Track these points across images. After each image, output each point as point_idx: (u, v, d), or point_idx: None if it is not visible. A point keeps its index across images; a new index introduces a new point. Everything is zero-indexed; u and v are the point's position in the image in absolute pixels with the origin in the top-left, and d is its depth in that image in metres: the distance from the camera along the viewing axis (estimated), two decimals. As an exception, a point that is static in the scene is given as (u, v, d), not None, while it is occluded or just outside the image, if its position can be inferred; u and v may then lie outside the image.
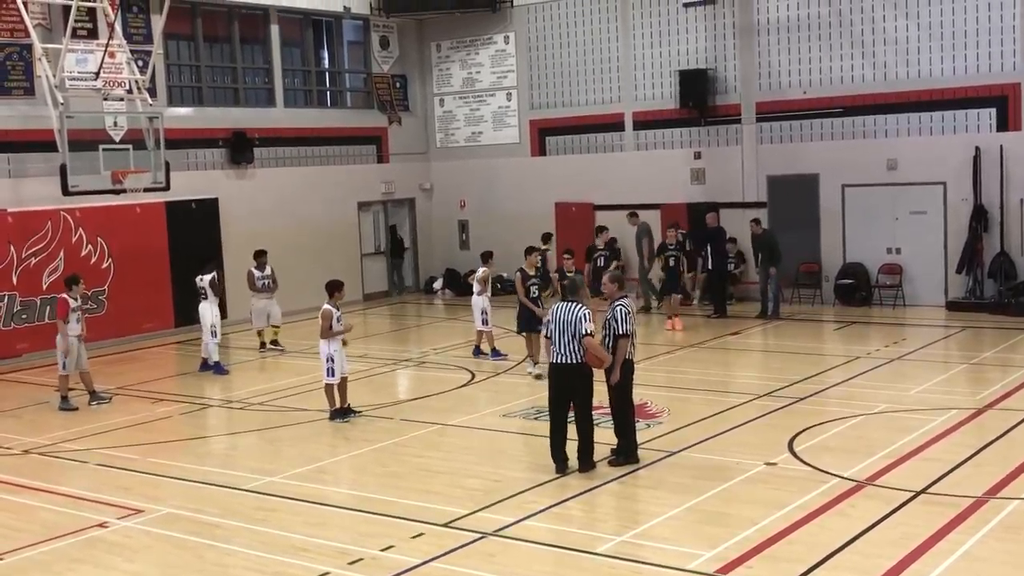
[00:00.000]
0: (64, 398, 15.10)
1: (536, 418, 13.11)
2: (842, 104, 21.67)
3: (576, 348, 10.60)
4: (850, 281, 21.62)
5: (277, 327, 19.16)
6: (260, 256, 19.12)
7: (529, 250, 16.35)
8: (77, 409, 14.97)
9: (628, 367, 11.03)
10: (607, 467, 10.98)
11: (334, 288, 13.84)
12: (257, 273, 18.95)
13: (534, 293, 15.75)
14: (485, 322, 17.23)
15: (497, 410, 13.79)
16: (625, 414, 11.14)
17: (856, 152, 21.51)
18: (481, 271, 17.55)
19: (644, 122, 24.04)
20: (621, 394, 11.06)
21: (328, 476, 11.58)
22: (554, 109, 25.32)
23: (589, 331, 10.60)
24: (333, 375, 13.65)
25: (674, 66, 23.42)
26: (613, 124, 24.41)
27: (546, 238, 21.49)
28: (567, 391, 10.80)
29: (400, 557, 8.74)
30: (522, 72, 25.74)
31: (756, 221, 20.94)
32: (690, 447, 11.70)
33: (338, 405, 13.74)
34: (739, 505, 9.77)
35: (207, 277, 17.56)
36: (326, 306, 13.66)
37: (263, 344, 19.18)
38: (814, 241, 22.13)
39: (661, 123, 23.79)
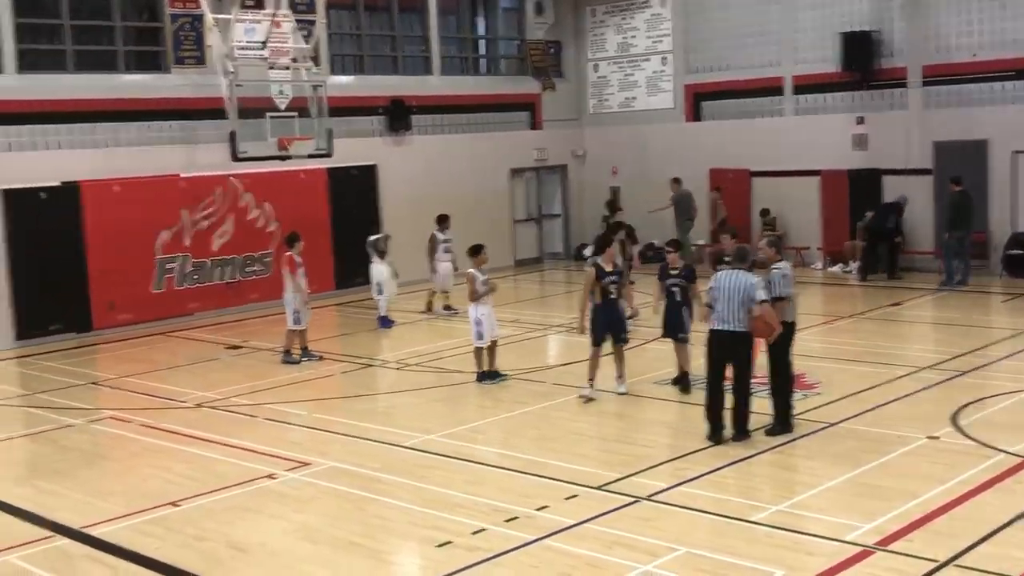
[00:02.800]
0: (288, 352, 15.80)
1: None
2: (1014, 67, 20.66)
3: (743, 316, 10.51)
4: (1020, 252, 20.71)
5: (447, 292, 19.50)
6: (443, 220, 19.43)
7: (607, 241, 13.30)
8: (299, 363, 15.62)
9: (789, 330, 10.95)
10: (763, 436, 10.89)
11: (475, 252, 14.10)
12: (440, 236, 19.33)
13: (613, 293, 12.73)
14: None
15: (648, 377, 13.76)
16: (784, 380, 11.06)
17: (1029, 117, 20.54)
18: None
19: (804, 86, 23.44)
20: (782, 359, 10.96)
21: (482, 436, 11.85)
22: (710, 73, 24.93)
23: (766, 298, 10.53)
24: (481, 338, 13.91)
25: (836, 28, 22.71)
26: (772, 88, 23.87)
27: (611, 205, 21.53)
28: (727, 358, 10.70)
29: (555, 517, 8.90)
30: (678, 36, 25.41)
31: (954, 180, 20.18)
32: (848, 419, 11.49)
33: (485, 368, 14.00)
34: (899, 478, 9.58)
35: (370, 238, 18.47)
36: (470, 270, 13.95)
37: (446, 306, 19.38)
38: (982, 210, 21.16)
39: (822, 87, 23.13)
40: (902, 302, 18.92)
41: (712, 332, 10.75)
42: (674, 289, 13.03)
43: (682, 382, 12.99)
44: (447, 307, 19.32)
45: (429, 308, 19.56)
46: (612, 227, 18.15)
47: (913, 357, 14.55)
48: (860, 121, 22.66)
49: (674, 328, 13.04)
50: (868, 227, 21.77)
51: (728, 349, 10.66)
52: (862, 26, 22.37)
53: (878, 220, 21.41)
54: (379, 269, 18.47)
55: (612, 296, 12.72)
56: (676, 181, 23.90)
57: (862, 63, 22.15)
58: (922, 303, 19.06)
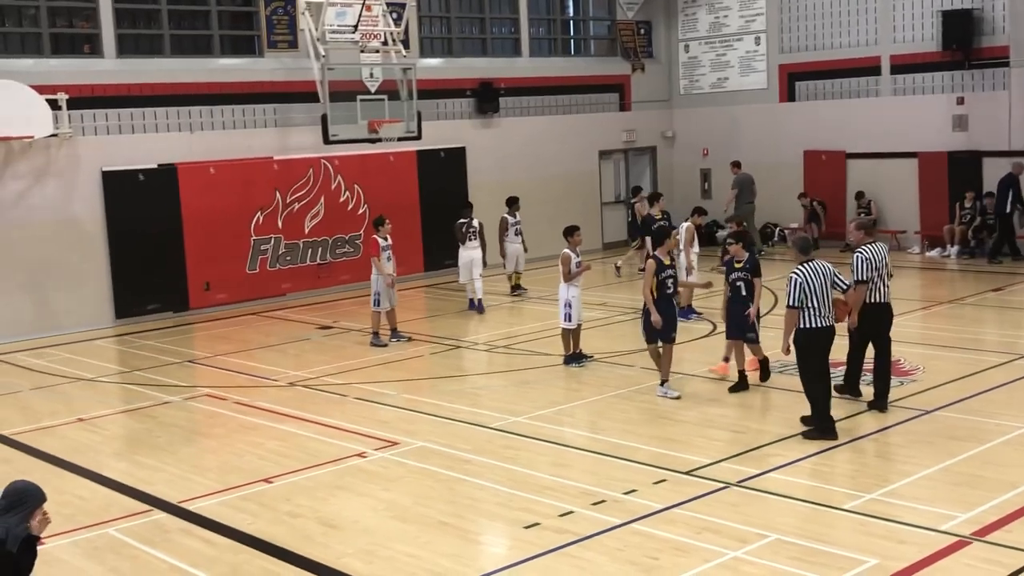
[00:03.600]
0: (375, 334, 15.91)
1: (780, 372, 12.85)
2: None
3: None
4: None
5: (519, 272, 19.66)
6: (513, 203, 19.58)
7: (665, 232, 12.76)
8: (387, 346, 15.74)
9: (883, 312, 10.95)
10: (852, 426, 10.68)
11: (570, 232, 14.09)
12: (511, 219, 19.43)
13: (669, 288, 12.10)
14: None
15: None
16: (885, 361, 11.04)
17: None
18: (685, 225, 16.96)
19: (902, 65, 22.84)
20: (883, 343, 10.96)
21: (570, 419, 11.81)
22: (805, 53, 24.45)
23: (849, 284, 10.50)
24: (570, 320, 13.89)
25: (936, 6, 22.10)
26: (868, 68, 23.32)
27: (635, 191, 22.02)
28: (828, 349, 10.48)
29: (642, 502, 8.86)
30: (772, 15, 24.96)
31: None
32: (945, 406, 11.21)
33: (572, 350, 13.98)
34: (998, 468, 9.32)
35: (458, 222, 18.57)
36: (565, 251, 13.92)
37: (515, 287, 19.67)
38: (1089, 192, 20.53)
39: (921, 67, 22.52)
40: (1003, 288, 18.37)
41: (817, 331, 10.23)
42: (739, 284, 12.24)
43: (764, 373, 12.34)
44: (515, 286, 19.57)
45: (513, 290, 19.67)
46: (694, 211, 17.86)
47: (1014, 344, 14.14)
48: (960, 101, 22.02)
49: (741, 327, 12.25)
50: (972, 210, 21.28)
51: (831, 341, 10.45)
52: (963, 3, 21.72)
53: (997, 203, 20.80)
54: (460, 253, 18.53)
55: (668, 291, 12.07)
56: (736, 164, 23.92)
57: (963, 41, 21.50)
58: (1022, 289, 18.49)
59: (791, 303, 10.21)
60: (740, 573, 7.48)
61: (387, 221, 16.09)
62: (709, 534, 8.12)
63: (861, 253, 10.84)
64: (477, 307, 18.21)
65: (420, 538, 8.42)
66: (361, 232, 21.09)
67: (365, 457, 10.55)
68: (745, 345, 12.43)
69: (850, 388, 11.46)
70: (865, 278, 10.76)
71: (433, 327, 17.52)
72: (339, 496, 9.48)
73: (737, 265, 12.27)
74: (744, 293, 12.21)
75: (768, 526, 8.19)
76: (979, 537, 7.81)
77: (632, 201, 21.98)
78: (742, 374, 12.28)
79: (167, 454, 11.04)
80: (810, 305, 10.19)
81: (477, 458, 10.32)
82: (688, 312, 16.26)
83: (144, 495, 9.72)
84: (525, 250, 19.61)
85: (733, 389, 12.22)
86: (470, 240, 18.47)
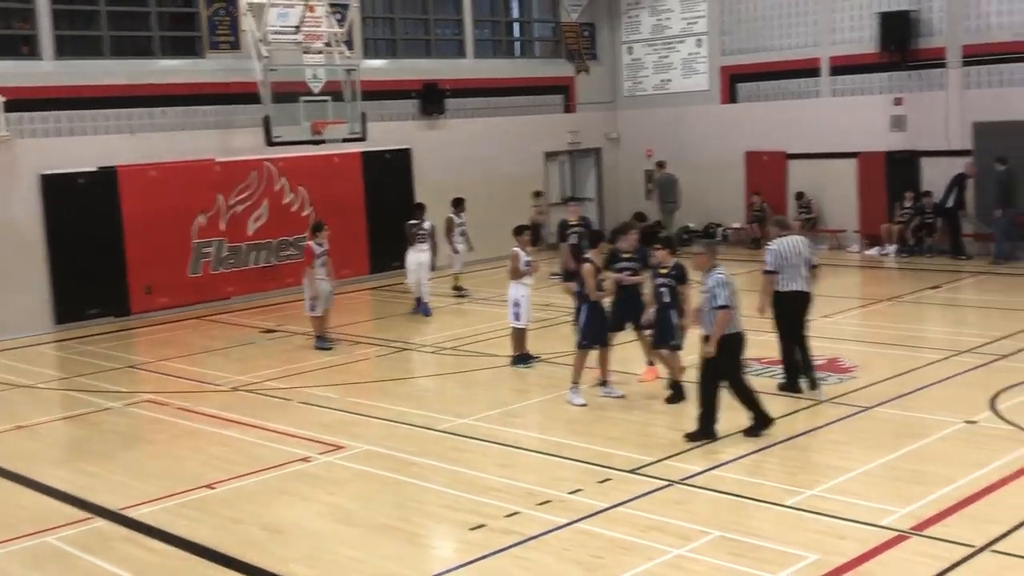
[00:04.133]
0: (319, 337, 15.79)
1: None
2: (1057, 46, 20.36)
3: None
4: (1061, 234, 20.46)
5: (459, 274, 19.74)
6: (459, 204, 19.58)
7: (599, 235, 13.02)
8: (331, 349, 15.59)
9: (797, 300, 11.44)
10: (792, 423, 10.83)
11: (519, 231, 14.18)
12: (456, 220, 19.42)
13: (603, 290, 12.05)
14: None
15: (684, 362, 13.68)
16: (803, 348, 11.45)
17: (1072, 97, 20.21)
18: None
19: (842, 67, 23.18)
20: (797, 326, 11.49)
21: (517, 420, 11.83)
22: (746, 55, 24.72)
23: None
24: (519, 319, 13.92)
25: (875, 8, 22.46)
26: (808, 69, 23.64)
27: (536, 195, 22.66)
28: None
29: (587, 501, 8.90)
30: (713, 17, 25.20)
31: (999, 159, 20.22)
32: (884, 403, 11.39)
33: (519, 351, 14.01)
34: (936, 463, 9.49)
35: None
36: (514, 248, 13.96)
37: (457, 288, 19.72)
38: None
39: (860, 68, 22.87)
40: (940, 285, 18.71)
41: (741, 333, 10.37)
42: (662, 290, 11.67)
43: (676, 395, 11.78)
44: (456, 287, 19.63)
45: (459, 291, 19.66)
46: (635, 216, 17.97)
47: (951, 340, 14.39)
48: (898, 102, 22.40)
49: (663, 335, 11.83)
50: (912, 209, 21.66)
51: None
52: (900, 5, 22.08)
53: (942, 199, 21.23)
54: (408, 255, 18.35)
55: (602, 292, 11.96)
56: (659, 165, 24.60)
57: (900, 43, 21.87)
58: (961, 286, 18.85)
59: (724, 302, 10.09)
60: (683, 570, 7.56)
61: (326, 228, 15.98)
62: (653, 532, 8.19)
63: (770, 245, 11.63)
64: (423, 309, 18.15)
65: (366, 542, 8.39)
66: (306, 235, 20.88)
67: (310, 461, 10.49)
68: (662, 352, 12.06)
69: (791, 386, 11.67)
70: (772, 268, 11.45)
71: (379, 329, 17.47)
72: (283, 501, 9.42)
73: (662, 272, 11.70)
74: (667, 300, 11.68)
75: (711, 523, 8.28)
76: (918, 531, 7.95)
77: (533, 205, 22.17)
78: (677, 384, 11.89)
79: (108, 461, 10.90)
80: (735, 307, 10.26)
81: (423, 460, 10.30)
82: None
83: (85, 503, 9.59)
84: (471, 249, 19.71)
85: (670, 400, 11.83)
86: (419, 242, 18.34)
